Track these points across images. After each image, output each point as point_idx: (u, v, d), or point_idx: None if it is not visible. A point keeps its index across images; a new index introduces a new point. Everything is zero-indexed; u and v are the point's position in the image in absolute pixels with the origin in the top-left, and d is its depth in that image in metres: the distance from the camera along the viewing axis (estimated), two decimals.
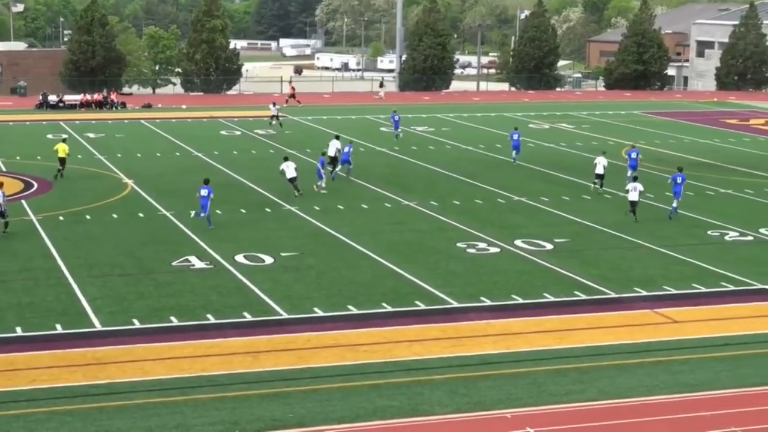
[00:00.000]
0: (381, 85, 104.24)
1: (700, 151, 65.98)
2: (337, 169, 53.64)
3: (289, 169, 49.34)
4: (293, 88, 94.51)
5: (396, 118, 69.63)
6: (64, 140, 55.75)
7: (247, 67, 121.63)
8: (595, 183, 51.64)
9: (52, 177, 52.27)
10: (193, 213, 43.54)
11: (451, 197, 49.53)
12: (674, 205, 46.34)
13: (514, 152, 60.43)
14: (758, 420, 23.68)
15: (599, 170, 51.20)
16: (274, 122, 74.23)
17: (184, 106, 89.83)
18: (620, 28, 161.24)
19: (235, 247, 39.06)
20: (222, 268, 36.15)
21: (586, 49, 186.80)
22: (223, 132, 73.26)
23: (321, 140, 68.87)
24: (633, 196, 45.25)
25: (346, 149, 54.22)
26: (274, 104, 76.25)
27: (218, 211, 45.16)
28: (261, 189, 50.79)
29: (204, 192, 42.19)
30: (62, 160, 52.95)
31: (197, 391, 24.84)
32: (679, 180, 46.42)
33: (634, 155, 53.70)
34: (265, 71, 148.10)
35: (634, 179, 47.15)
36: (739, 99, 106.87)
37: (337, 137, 56.36)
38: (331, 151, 54.06)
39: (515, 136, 60.79)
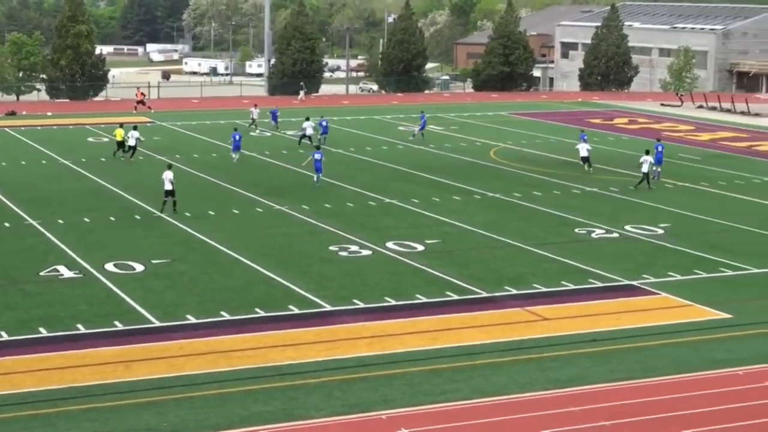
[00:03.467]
0: (301, 89, 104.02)
1: (565, 150, 67.12)
2: (320, 137, 66.81)
3: (131, 139, 60.18)
4: (143, 94, 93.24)
5: (276, 113, 78.72)
6: (121, 125, 63.72)
7: (114, 73, 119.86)
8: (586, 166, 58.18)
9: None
10: (315, 178, 52.79)
11: (322, 201, 49.58)
12: (658, 170, 54.86)
13: (418, 129, 73.01)
14: (626, 413, 24.21)
15: (584, 153, 58.69)
16: (253, 126, 77.49)
17: (49, 113, 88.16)
18: (486, 30, 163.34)
19: (105, 255, 38.50)
20: (91, 277, 35.60)
21: (453, 52, 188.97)
22: (90, 138, 72.13)
23: (190, 145, 68.48)
24: (645, 168, 52.99)
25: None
26: (256, 106, 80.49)
27: (86, 219, 44.56)
28: (130, 196, 50.14)
29: (317, 156, 52.78)
30: (120, 143, 62.06)
31: (68, 403, 24.43)
32: (659, 149, 56.15)
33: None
34: (132, 77, 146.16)
35: (646, 153, 54.25)
36: (603, 99, 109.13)
37: (308, 119, 68.87)
38: (308, 131, 67.46)
39: (422, 119, 73.33)
